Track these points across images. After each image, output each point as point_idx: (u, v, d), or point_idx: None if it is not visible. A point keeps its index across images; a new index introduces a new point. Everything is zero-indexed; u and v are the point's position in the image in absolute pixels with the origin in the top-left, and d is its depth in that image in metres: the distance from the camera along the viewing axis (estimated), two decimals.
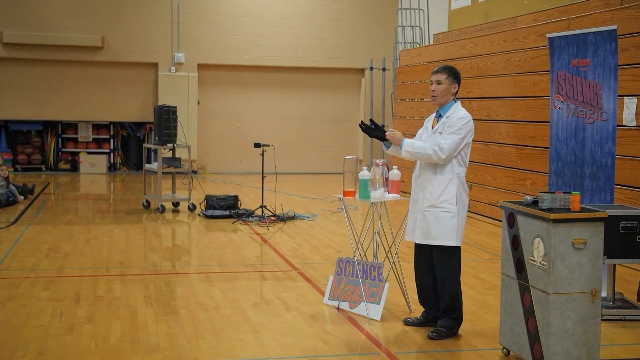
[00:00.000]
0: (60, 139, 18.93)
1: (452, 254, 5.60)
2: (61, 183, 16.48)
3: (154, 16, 18.36)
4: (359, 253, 6.42)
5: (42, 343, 5.37)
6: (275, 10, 18.97)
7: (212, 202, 11.77)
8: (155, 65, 18.64)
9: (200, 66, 18.81)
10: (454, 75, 5.69)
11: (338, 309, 6.38)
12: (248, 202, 12.84)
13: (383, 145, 5.86)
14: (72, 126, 18.99)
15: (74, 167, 18.79)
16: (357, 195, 6.22)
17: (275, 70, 19.35)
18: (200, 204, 12.16)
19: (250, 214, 11.35)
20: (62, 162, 18.85)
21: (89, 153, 18.90)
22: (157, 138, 12.10)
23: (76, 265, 8.04)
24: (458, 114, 5.59)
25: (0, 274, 7.53)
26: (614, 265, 6.36)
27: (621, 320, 6.15)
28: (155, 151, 12.38)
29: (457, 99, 5.76)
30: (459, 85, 5.71)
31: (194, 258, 8.70)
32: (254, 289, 7.24)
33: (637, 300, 6.67)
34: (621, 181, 8.31)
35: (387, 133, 5.66)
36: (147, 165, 12.67)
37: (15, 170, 18.06)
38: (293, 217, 11.44)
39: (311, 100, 19.69)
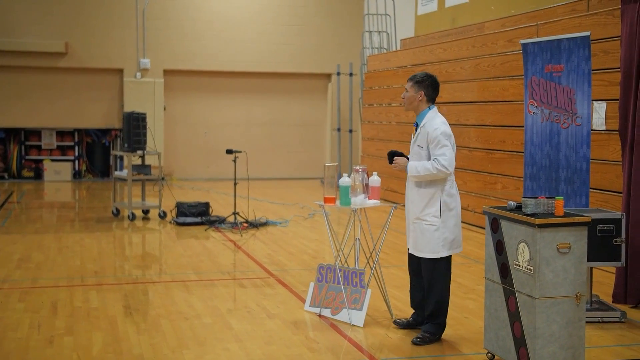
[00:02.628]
0: (23, 146, 18.62)
1: (436, 264, 5.65)
2: (25, 191, 16.22)
3: (118, 21, 18.19)
4: (340, 259, 6.43)
5: (22, 356, 5.29)
6: (242, 15, 18.93)
7: (183, 209, 11.69)
8: (120, 71, 18.46)
9: (166, 72, 18.68)
10: (419, 83, 5.74)
11: (320, 315, 6.39)
12: (218, 208, 12.77)
13: None
14: (36, 133, 18.70)
15: (38, 175, 18.50)
16: (337, 202, 6.24)
17: (242, 76, 19.29)
18: (170, 211, 12.06)
19: (222, 220, 11.29)
20: (26, 169, 18.55)
21: (53, 160, 18.62)
22: (126, 145, 11.98)
23: (50, 276, 7.92)
24: (433, 124, 5.63)
25: None
26: (591, 268, 6.47)
27: (599, 322, 6.26)
28: (122, 158, 12.26)
29: (434, 105, 5.81)
30: (427, 92, 5.73)
31: (169, 266, 8.63)
32: (233, 296, 7.21)
33: (613, 302, 6.79)
34: (593, 185, 8.44)
35: (392, 165, 5.83)
36: (116, 173, 12.54)
37: None
38: (265, 224, 11.42)
39: (278, 105, 19.67)
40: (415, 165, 5.64)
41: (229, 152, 11.15)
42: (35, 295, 7.05)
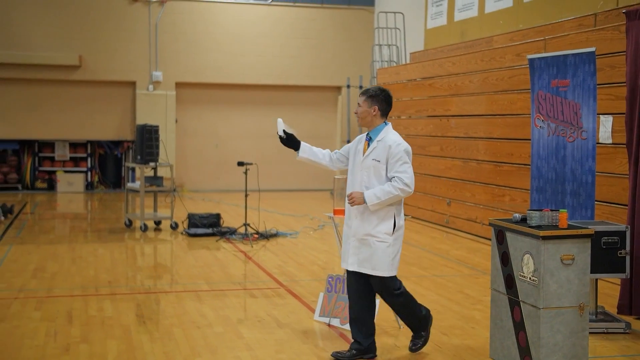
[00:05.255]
0: (37, 158, 18.85)
1: (391, 282, 5.48)
2: (39, 202, 16.42)
3: (131, 35, 18.43)
4: None
5: None
6: (253, 28, 19.14)
7: (194, 221, 11.84)
8: (133, 84, 18.69)
9: (178, 84, 18.89)
10: (373, 97, 5.51)
11: (329, 325, 6.51)
12: (229, 219, 12.92)
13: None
14: (49, 145, 18.93)
15: (51, 186, 18.71)
16: None
17: (253, 89, 19.49)
18: (182, 222, 12.22)
19: (233, 231, 11.44)
20: (39, 181, 18.76)
21: (66, 172, 18.83)
22: (138, 157, 12.15)
23: (65, 285, 8.08)
24: (392, 138, 5.44)
25: None
26: (596, 280, 6.57)
27: (604, 333, 6.35)
28: (134, 169, 12.41)
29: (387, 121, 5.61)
30: (381, 107, 5.51)
31: (181, 276, 8.77)
32: (243, 306, 7.34)
33: (618, 314, 6.89)
34: (599, 197, 8.54)
35: (348, 202, 5.45)
36: (129, 184, 12.72)
37: None
38: (275, 235, 11.55)
39: (289, 117, 19.56)
40: (374, 193, 5.33)
41: (240, 164, 11.30)
42: (50, 304, 7.20)
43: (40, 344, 5.89)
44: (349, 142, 18.68)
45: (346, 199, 5.55)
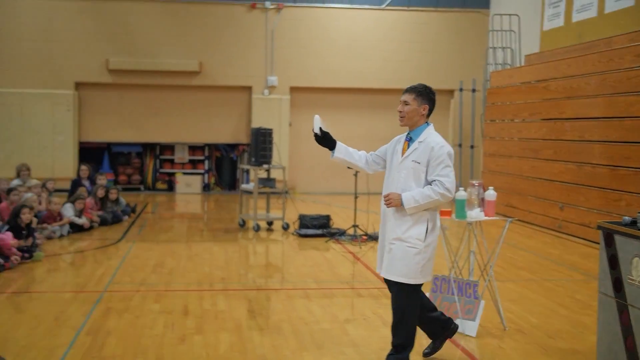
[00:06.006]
0: (158, 160, 19.74)
1: (412, 291, 5.24)
2: (159, 203, 17.18)
3: (249, 41, 18.99)
4: (455, 271, 6.59)
5: (158, 351, 5.76)
6: (365, 33, 19.32)
7: (305, 222, 12.11)
8: (249, 89, 19.26)
9: (293, 89, 19.31)
10: (423, 95, 5.26)
11: None
12: (339, 221, 13.13)
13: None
14: (170, 148, 19.78)
15: (171, 187, 19.54)
16: (453, 215, 6.40)
17: (365, 92, 19.67)
18: (293, 223, 12.52)
19: (342, 233, 11.63)
20: (160, 182, 19.64)
21: (184, 174, 19.63)
22: (253, 159, 12.54)
23: (181, 280, 8.48)
24: (436, 140, 5.21)
25: (113, 287, 8.03)
26: None
27: None
28: (249, 172, 12.79)
29: (430, 122, 5.38)
30: (429, 106, 5.27)
31: (291, 275, 9.02)
32: (350, 305, 7.49)
33: None
34: None
35: (384, 203, 5.25)
36: (243, 186, 13.15)
37: None
38: None
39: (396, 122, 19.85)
40: (413, 195, 5.10)
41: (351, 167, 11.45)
42: (168, 297, 7.59)
43: (159, 334, 6.24)
44: (460, 146, 18.55)
45: (382, 200, 5.33)
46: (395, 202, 5.15)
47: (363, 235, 11.42)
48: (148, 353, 5.70)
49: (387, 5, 19.28)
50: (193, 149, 19.89)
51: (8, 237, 9.22)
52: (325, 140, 5.45)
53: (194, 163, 19.95)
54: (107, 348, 5.80)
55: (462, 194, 6.28)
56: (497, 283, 6.84)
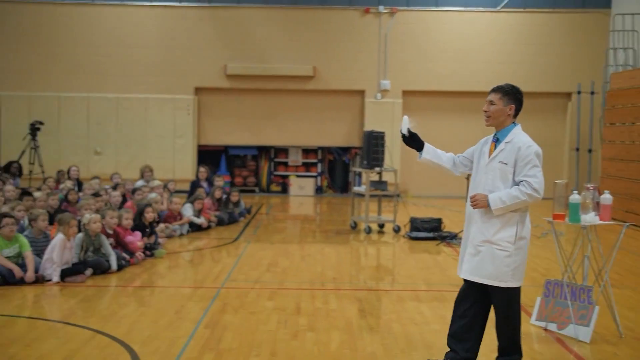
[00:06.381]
0: (272, 163, 20.22)
1: (511, 293, 5.17)
2: (273, 204, 17.60)
3: (362, 46, 19.18)
4: (568, 275, 6.50)
5: (272, 346, 5.99)
6: (480, 36, 19.14)
7: (416, 225, 12.15)
8: (361, 93, 19.45)
9: (405, 92, 19.36)
10: (509, 95, 5.19)
11: (545, 329, 6.50)
12: (451, 225, 13.08)
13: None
14: (284, 151, 20.23)
15: (284, 190, 19.97)
16: (567, 219, 6.32)
17: (478, 96, 19.44)
18: (404, 225, 12.58)
19: (454, 236, 11.59)
20: (274, 184, 20.11)
21: (298, 176, 20.01)
22: (365, 162, 12.68)
23: (294, 279, 8.72)
24: (523, 140, 5.13)
25: (230, 284, 8.36)
26: None
27: None
28: (360, 174, 12.95)
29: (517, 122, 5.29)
30: (516, 106, 5.20)
31: (401, 277, 9.10)
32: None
33: None
34: None
35: (470, 204, 5.20)
36: (355, 188, 13.32)
37: None
38: None
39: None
40: (499, 196, 5.03)
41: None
42: (282, 295, 7.83)
43: (272, 330, 6.47)
44: (577, 150, 18.08)
45: (467, 201, 5.28)
46: (481, 203, 5.10)
47: None
48: (262, 347, 5.93)
49: (502, 7, 19.01)
50: (306, 152, 20.26)
51: (137, 237, 9.76)
52: (413, 141, 5.50)
53: (307, 166, 20.31)
54: (224, 341, 6.08)
55: (576, 197, 6.21)
56: (613, 289, 6.69)
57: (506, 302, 5.17)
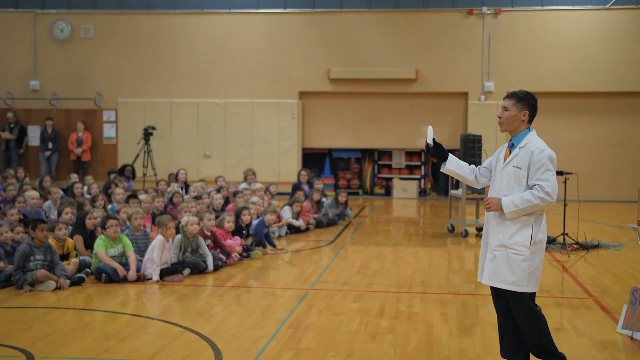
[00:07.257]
0: (376, 166, 20.38)
1: (524, 300, 5.20)
2: (375, 207, 17.77)
3: (465, 47, 19.05)
4: None
5: (350, 347, 6.18)
6: (588, 35, 18.61)
7: None
8: (465, 95, 19.31)
9: None
10: (523, 101, 5.26)
11: (632, 338, 6.38)
12: (549, 228, 12.77)
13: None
14: (387, 153, 20.36)
15: (388, 192, 20.09)
16: None
17: (587, 97, 18.92)
18: None
19: (551, 241, 11.40)
20: (377, 187, 20.27)
21: (401, 179, 20.08)
22: None
23: (382, 282, 8.87)
24: (536, 144, 5.19)
25: (319, 285, 8.60)
26: None
27: None
28: None
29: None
30: (530, 112, 5.26)
31: None
32: (547, 314, 7.39)
33: None
34: None
35: (484, 207, 5.34)
36: (452, 191, 13.32)
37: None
38: (597, 246, 11.27)
39: (623, 126, 18.87)
40: (512, 200, 5.13)
41: (559, 173, 11.24)
42: (367, 298, 8.00)
43: (353, 331, 6.65)
44: None
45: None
46: (494, 207, 5.21)
47: (573, 244, 11.13)
48: (340, 348, 6.13)
49: (612, 5, 18.43)
50: (410, 154, 20.30)
51: (236, 242, 10.16)
52: (438, 150, 5.61)
53: (410, 168, 20.36)
54: (304, 341, 6.31)
55: None
56: None
57: (522, 307, 5.23)
